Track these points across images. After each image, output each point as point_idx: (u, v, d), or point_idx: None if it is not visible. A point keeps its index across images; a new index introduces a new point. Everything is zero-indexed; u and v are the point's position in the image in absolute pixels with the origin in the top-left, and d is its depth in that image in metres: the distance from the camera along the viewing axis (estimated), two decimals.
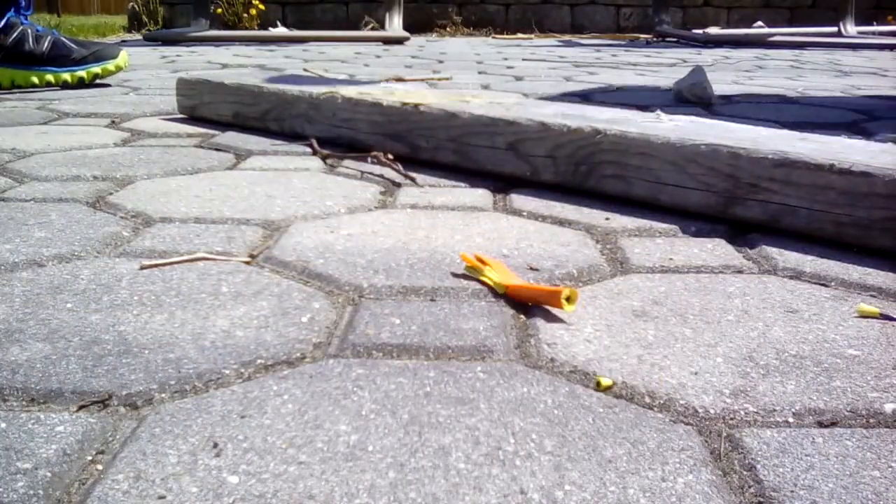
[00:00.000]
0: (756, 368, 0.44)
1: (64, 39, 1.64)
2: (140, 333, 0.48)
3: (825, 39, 3.50)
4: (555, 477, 0.34)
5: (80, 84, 1.64)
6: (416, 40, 3.68)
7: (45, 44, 1.60)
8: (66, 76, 1.63)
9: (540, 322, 0.50)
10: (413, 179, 0.86)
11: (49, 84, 1.62)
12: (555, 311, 0.52)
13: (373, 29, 3.85)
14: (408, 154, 0.94)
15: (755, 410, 0.40)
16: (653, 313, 0.52)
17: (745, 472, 0.35)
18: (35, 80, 1.61)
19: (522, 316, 0.51)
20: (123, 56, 1.69)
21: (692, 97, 1.51)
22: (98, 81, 1.68)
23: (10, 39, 1.57)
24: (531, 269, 0.60)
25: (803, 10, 4.55)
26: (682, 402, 0.41)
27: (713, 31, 3.77)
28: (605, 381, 0.42)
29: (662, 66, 2.40)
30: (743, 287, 0.57)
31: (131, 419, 0.39)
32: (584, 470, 0.35)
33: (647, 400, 0.41)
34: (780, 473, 0.35)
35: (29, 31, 1.60)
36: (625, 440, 0.37)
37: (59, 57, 1.62)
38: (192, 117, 1.26)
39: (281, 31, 3.80)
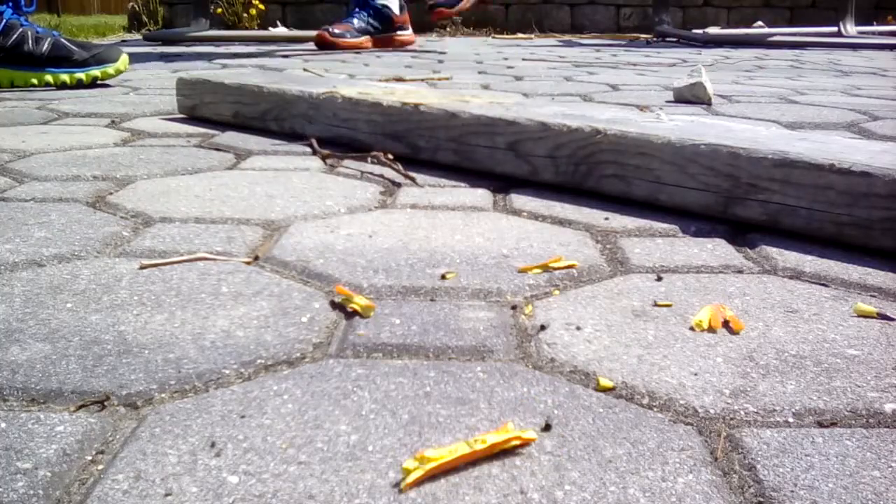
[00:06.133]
0: (756, 368, 0.44)
1: (64, 41, 1.64)
2: (140, 333, 0.48)
3: (825, 39, 3.50)
4: (555, 477, 0.34)
5: (79, 86, 1.64)
6: (417, 40, 3.68)
7: (45, 45, 1.60)
8: (66, 77, 1.63)
9: (540, 322, 0.50)
10: (413, 179, 0.86)
11: (48, 85, 1.62)
12: (555, 310, 0.52)
13: None
14: (408, 154, 0.94)
15: (755, 410, 0.40)
16: (653, 313, 0.52)
17: (745, 472, 0.35)
18: (34, 80, 1.61)
19: (523, 315, 0.51)
20: (124, 60, 1.70)
21: (692, 97, 1.51)
22: (98, 82, 1.68)
23: (10, 41, 1.57)
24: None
25: (803, 10, 4.55)
26: (682, 402, 0.41)
27: (713, 31, 3.77)
28: (605, 382, 0.42)
29: (662, 66, 2.40)
30: (743, 287, 0.57)
31: (131, 419, 0.39)
32: (584, 470, 0.35)
33: (647, 400, 0.41)
34: (780, 473, 0.35)
35: (29, 32, 1.60)
36: (625, 440, 0.37)
37: (59, 58, 1.62)
38: (192, 117, 1.26)
39: (281, 31, 3.80)
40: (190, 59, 2.53)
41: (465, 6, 2.77)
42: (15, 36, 1.58)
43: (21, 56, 1.59)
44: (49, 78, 1.62)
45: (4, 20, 1.57)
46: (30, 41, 1.59)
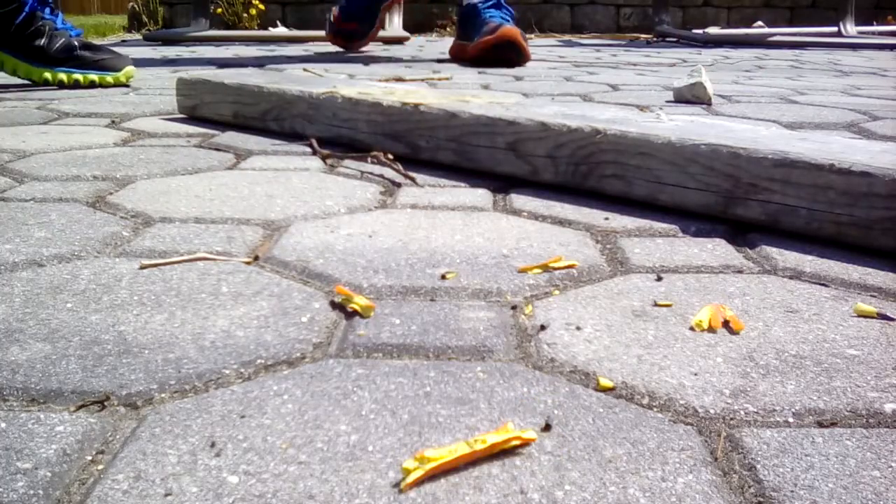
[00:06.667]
0: (756, 368, 0.44)
1: (76, 42, 1.64)
2: (140, 333, 0.48)
3: (825, 39, 3.50)
4: (555, 477, 0.34)
5: (76, 86, 1.64)
6: (417, 40, 3.68)
7: (58, 43, 1.61)
8: (63, 77, 1.63)
9: (540, 322, 0.50)
10: (413, 179, 0.86)
11: (45, 81, 1.62)
12: (555, 310, 0.52)
13: None
14: (408, 154, 0.94)
15: (755, 410, 0.40)
16: (653, 313, 0.52)
17: (745, 472, 0.35)
18: (34, 76, 1.61)
19: (523, 315, 0.51)
20: (127, 72, 1.69)
21: (692, 97, 1.51)
22: (94, 85, 1.69)
23: (28, 31, 1.57)
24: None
25: (803, 10, 4.55)
26: (682, 402, 0.41)
27: (713, 30, 3.78)
28: (605, 382, 0.42)
29: (662, 66, 2.40)
30: (743, 287, 0.57)
31: (131, 419, 0.39)
32: (584, 470, 0.35)
33: (647, 400, 0.41)
34: (780, 473, 0.35)
35: (47, 27, 1.59)
36: (625, 440, 0.37)
37: (65, 58, 1.62)
38: (192, 117, 1.26)
39: (281, 31, 3.80)
40: (190, 59, 2.53)
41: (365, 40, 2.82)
42: (33, 28, 1.58)
43: (31, 48, 1.59)
44: (48, 75, 1.62)
45: (25, 11, 1.57)
46: (45, 37, 1.59)
